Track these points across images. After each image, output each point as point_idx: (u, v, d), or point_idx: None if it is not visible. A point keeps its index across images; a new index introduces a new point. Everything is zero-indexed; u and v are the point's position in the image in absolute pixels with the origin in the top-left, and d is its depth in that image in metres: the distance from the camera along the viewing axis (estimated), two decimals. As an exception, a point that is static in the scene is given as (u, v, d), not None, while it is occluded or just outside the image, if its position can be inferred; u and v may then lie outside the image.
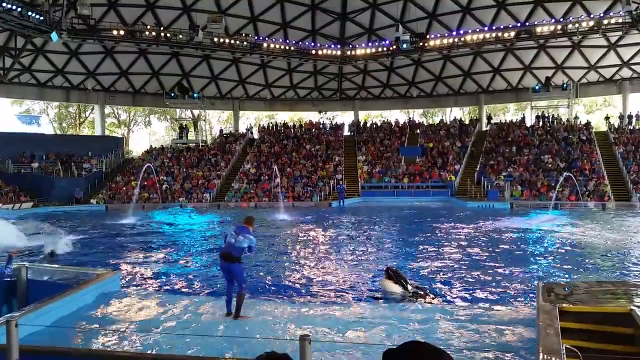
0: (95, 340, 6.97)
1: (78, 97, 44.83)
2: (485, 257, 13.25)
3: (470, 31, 36.49)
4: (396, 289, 9.19)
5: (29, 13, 30.27)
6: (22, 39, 35.35)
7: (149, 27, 37.11)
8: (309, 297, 9.58)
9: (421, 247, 15.21)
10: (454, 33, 37.15)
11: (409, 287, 9.28)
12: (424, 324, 7.49)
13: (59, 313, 7.55)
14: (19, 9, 29.48)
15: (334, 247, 15.84)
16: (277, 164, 37.14)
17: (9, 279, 8.13)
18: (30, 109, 53.57)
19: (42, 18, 31.09)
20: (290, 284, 10.68)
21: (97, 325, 7.59)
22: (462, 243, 15.71)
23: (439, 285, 10.25)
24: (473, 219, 22.19)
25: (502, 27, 35.89)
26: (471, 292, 9.67)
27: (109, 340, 6.98)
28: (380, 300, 9.08)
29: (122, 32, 36.11)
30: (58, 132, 54.64)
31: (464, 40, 36.53)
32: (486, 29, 36.31)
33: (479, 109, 46.53)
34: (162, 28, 37.58)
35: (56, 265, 11.84)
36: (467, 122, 45.51)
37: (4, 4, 28.34)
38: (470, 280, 10.65)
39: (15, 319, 3.84)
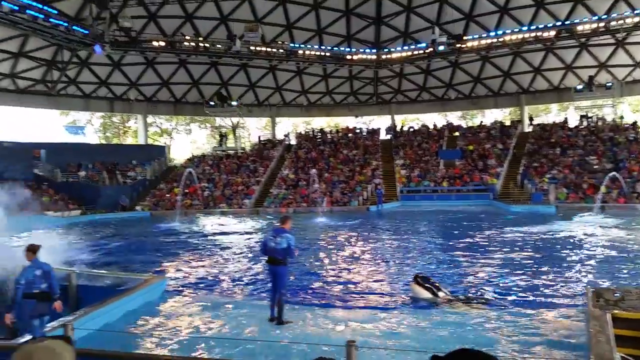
0: (143, 344, 7.15)
1: (122, 107, 46.28)
2: (531, 262, 12.93)
3: (509, 31, 35.79)
4: (425, 294, 9.17)
5: (74, 27, 31.51)
6: (68, 53, 36.85)
7: (188, 37, 38.05)
8: (349, 302, 9.56)
9: (463, 252, 14.95)
10: (492, 34, 36.51)
11: (440, 294, 9.17)
12: (469, 330, 7.37)
13: (108, 317, 7.81)
14: (65, 24, 30.74)
15: (374, 251, 15.76)
16: (318, 167, 37.33)
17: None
18: (76, 120, 55.49)
19: (86, 32, 32.31)
20: (330, 288, 10.69)
21: (145, 330, 7.79)
22: (507, 248, 15.34)
23: (483, 290, 10.06)
24: (517, 223, 21.63)
25: (541, 26, 35.03)
26: (518, 297, 9.46)
27: (156, 344, 7.15)
28: (411, 306, 9.01)
29: (162, 43, 37.14)
30: (103, 142, 56.53)
31: (502, 41, 35.84)
32: (525, 28, 35.52)
33: (520, 110, 45.47)
34: (200, 38, 38.44)
35: (104, 271, 12.23)
36: (508, 123, 44.56)
37: (51, 20, 29.62)
38: (517, 285, 10.41)
39: (71, 323, 4.00)
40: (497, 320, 7.82)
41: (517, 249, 15.10)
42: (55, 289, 6.93)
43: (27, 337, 6.47)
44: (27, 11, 28.09)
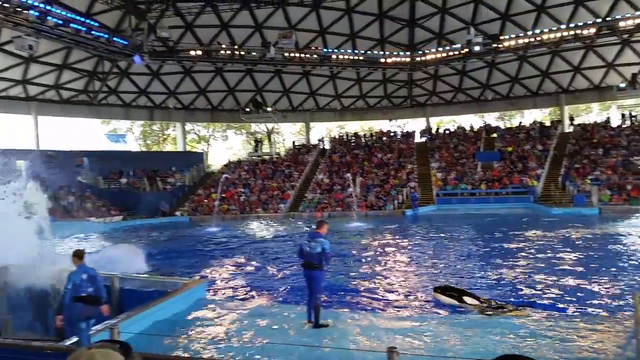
0: (182, 347, 7.30)
1: (161, 116, 47.48)
2: (573, 266, 12.58)
3: (546, 30, 34.95)
4: (449, 301, 9.23)
5: (114, 39, 32.56)
6: (109, 63, 38.13)
7: (224, 46, 38.75)
8: (387, 306, 9.54)
9: (502, 256, 14.67)
10: (529, 33, 35.72)
11: (468, 299, 9.09)
12: (510, 336, 7.24)
13: (149, 321, 8.01)
14: (106, 36, 31.81)
15: (411, 256, 15.64)
16: (352, 172, 37.31)
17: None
18: (117, 128, 57.15)
19: (126, 42, 33.32)
20: (367, 293, 10.67)
21: (184, 333, 7.96)
22: (548, 252, 14.96)
23: (523, 295, 9.85)
24: (559, 226, 21.03)
25: (581, 24, 34.04)
26: (559, 302, 9.22)
27: (196, 348, 7.29)
28: (449, 311, 8.95)
29: (199, 52, 37.96)
30: (143, 149, 58.04)
31: (540, 40, 35.01)
32: (564, 26, 34.60)
33: (560, 110, 44.30)
34: (236, 47, 39.11)
35: (145, 275, 12.56)
36: (547, 124, 43.49)
37: (93, 32, 30.69)
38: (559, 290, 10.15)
39: (117, 326, 4.14)
40: (537, 327, 7.65)
41: (559, 252, 14.70)
42: (102, 293, 7.19)
43: (74, 339, 6.72)
44: (71, 25, 29.21)
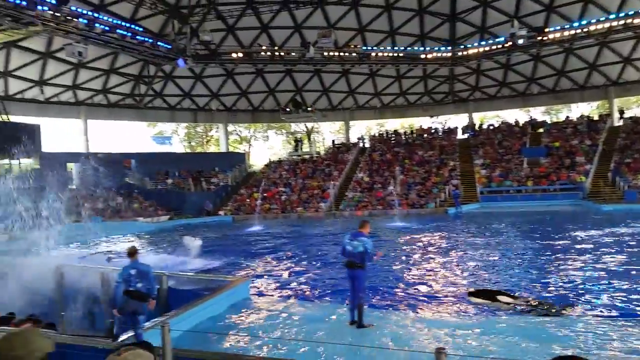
0: (228, 345, 7.45)
1: (204, 118, 48.60)
2: (624, 266, 12.09)
3: (594, 21, 33.64)
4: (484, 302, 9.13)
5: (159, 43, 33.46)
6: (154, 67, 39.21)
7: (264, 47, 39.22)
8: (429, 307, 9.45)
9: (548, 255, 14.26)
10: (576, 24, 34.48)
11: (503, 299, 8.99)
12: (558, 337, 7.05)
13: (196, 319, 8.22)
14: (150, 41, 32.73)
15: (453, 256, 15.39)
16: (390, 171, 37.05)
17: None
18: (163, 131, 58.77)
19: (169, 46, 34.19)
20: (410, 293, 10.60)
21: (229, 331, 8.11)
22: (597, 251, 14.43)
23: (569, 295, 9.57)
24: (610, 224, 20.24)
25: (631, 12, 32.56)
26: (608, 304, 8.90)
27: (240, 345, 7.42)
28: (492, 312, 8.80)
29: (240, 55, 38.56)
30: (188, 151, 59.49)
31: (587, 31, 33.75)
32: (612, 16, 33.18)
33: (609, 103, 42.62)
34: (276, 47, 39.50)
35: (191, 273, 12.87)
36: (596, 118, 41.92)
37: (138, 37, 31.63)
38: (607, 291, 9.79)
39: (168, 323, 4.27)
40: (580, 329, 7.41)
41: (609, 251, 14.16)
42: (152, 291, 7.43)
43: (126, 335, 6.98)
44: (117, 30, 30.21)
